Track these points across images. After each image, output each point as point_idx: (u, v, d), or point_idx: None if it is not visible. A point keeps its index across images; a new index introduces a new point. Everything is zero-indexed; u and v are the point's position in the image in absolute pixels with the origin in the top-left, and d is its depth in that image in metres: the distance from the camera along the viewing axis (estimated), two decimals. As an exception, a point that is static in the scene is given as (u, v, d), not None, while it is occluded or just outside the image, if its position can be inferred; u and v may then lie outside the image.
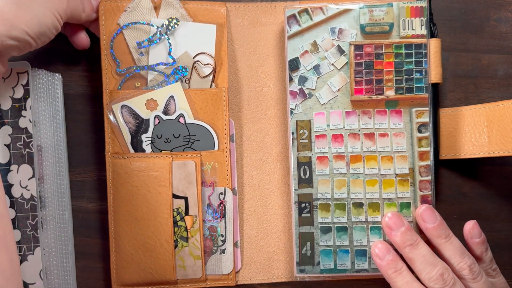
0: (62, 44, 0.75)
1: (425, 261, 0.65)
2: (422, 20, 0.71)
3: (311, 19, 0.71)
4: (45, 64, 0.76)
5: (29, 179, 0.68)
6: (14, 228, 0.67)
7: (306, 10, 0.71)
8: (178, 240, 0.71)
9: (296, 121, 0.71)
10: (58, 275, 0.70)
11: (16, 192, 0.68)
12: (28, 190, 0.68)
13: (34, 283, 0.67)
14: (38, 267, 0.67)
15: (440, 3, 0.78)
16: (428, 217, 0.69)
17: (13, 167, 0.68)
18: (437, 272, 0.64)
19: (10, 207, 0.68)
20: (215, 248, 0.72)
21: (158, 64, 0.71)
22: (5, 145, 0.68)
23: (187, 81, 0.72)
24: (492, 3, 0.78)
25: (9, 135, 0.68)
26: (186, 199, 0.71)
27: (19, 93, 0.68)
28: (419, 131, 0.71)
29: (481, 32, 0.78)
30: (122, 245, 0.71)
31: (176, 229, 0.71)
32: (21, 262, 0.67)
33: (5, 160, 0.68)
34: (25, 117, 0.68)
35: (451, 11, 0.78)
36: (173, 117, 0.71)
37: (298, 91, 0.71)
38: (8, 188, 0.68)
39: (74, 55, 0.76)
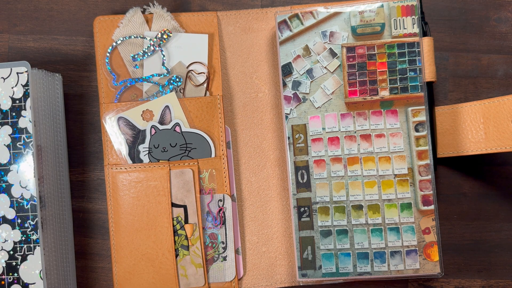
0: (62, 44, 0.78)
1: None
2: (413, 18, 0.71)
3: (302, 23, 0.72)
4: (45, 64, 0.78)
5: (29, 179, 0.69)
6: (14, 228, 0.69)
7: (296, 15, 0.72)
8: (179, 249, 0.72)
9: (292, 125, 0.72)
10: (58, 275, 0.71)
11: (16, 192, 0.69)
12: (28, 190, 0.69)
13: (34, 283, 0.68)
14: (38, 267, 0.68)
15: (440, 3, 0.78)
16: None
17: (13, 167, 0.69)
18: None
19: (10, 207, 0.69)
20: (217, 256, 0.73)
21: (152, 75, 0.73)
22: (5, 145, 0.69)
23: (182, 91, 0.73)
24: (492, 3, 0.78)
25: (9, 135, 0.69)
26: (185, 207, 0.72)
27: (19, 93, 0.69)
28: (416, 130, 0.70)
29: (481, 32, 0.78)
30: (123, 256, 0.72)
31: (176, 238, 0.72)
32: (21, 262, 0.69)
33: (5, 160, 0.69)
34: (25, 117, 0.69)
35: (451, 11, 0.78)
36: (169, 126, 0.72)
37: (292, 96, 0.72)
38: (8, 188, 0.69)
39: (74, 55, 0.78)
